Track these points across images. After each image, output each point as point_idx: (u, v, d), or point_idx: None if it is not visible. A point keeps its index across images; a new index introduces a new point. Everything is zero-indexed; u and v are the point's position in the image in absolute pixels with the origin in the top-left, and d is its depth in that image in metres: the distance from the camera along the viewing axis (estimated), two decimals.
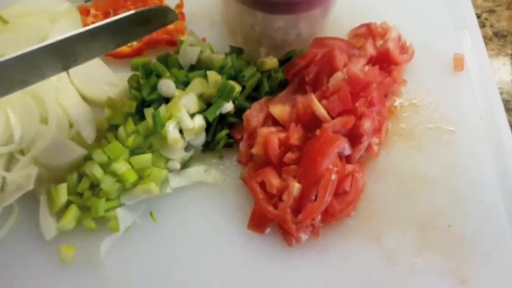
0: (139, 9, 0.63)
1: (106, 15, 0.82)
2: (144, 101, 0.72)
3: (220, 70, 0.74)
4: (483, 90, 0.80)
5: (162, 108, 0.70)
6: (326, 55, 0.72)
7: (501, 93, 0.84)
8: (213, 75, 0.73)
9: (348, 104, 0.68)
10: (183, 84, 0.73)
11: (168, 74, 0.74)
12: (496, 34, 0.91)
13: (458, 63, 0.80)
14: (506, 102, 0.84)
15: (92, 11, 0.81)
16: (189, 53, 0.74)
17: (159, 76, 0.74)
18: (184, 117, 0.69)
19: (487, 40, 0.90)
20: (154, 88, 0.72)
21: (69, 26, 0.80)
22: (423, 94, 0.79)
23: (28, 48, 0.54)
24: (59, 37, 0.57)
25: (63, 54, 0.60)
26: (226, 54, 0.77)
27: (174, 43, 0.81)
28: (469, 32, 0.84)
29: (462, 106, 0.78)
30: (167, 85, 0.72)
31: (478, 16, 0.92)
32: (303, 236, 0.68)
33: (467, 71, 0.81)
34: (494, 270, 0.68)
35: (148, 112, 0.69)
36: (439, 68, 0.81)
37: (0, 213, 0.69)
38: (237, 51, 0.79)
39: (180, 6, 0.84)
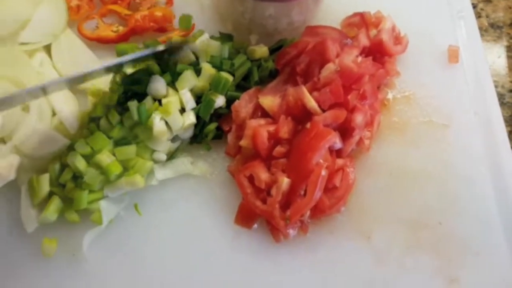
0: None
1: None
2: (127, 93, 0.69)
3: (212, 59, 0.72)
4: (478, 83, 0.78)
5: (148, 101, 0.67)
6: (318, 46, 0.70)
7: (496, 87, 0.83)
8: (208, 68, 0.70)
9: (340, 97, 0.66)
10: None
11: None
12: (492, 25, 0.89)
13: (453, 55, 0.78)
14: (500, 96, 0.83)
15: None
16: None
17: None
18: (175, 117, 0.67)
19: (482, 31, 0.88)
20: (138, 81, 0.69)
21: (53, 10, 0.77)
22: (417, 86, 0.77)
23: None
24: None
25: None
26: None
27: (161, 30, 0.78)
28: (465, 23, 0.82)
29: (456, 100, 0.77)
30: (159, 84, 0.69)
31: (474, 6, 0.90)
32: (291, 232, 0.67)
33: (462, 63, 0.79)
34: (484, 269, 0.68)
35: (133, 105, 0.66)
36: (433, 60, 0.79)
37: None
38: (227, 38, 0.76)
39: None
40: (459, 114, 0.76)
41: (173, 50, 0.70)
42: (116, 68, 0.67)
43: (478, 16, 0.89)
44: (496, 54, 0.87)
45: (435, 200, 0.71)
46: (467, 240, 0.69)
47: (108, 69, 0.65)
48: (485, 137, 0.75)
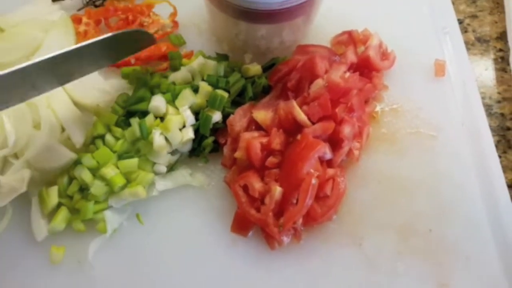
0: (116, 32, 0.67)
1: (97, 23, 0.85)
2: (130, 111, 0.75)
3: (208, 78, 0.76)
4: (465, 95, 0.81)
5: (149, 118, 0.72)
6: (308, 62, 0.74)
7: (483, 98, 0.86)
8: (205, 86, 0.75)
9: (328, 110, 0.70)
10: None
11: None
12: (478, 39, 0.92)
13: (440, 69, 0.82)
14: (488, 107, 0.86)
15: (84, 20, 0.84)
16: None
17: (151, 90, 0.76)
18: (174, 133, 0.71)
19: (469, 45, 0.91)
20: (141, 100, 0.74)
21: (62, 35, 0.82)
22: (405, 99, 0.80)
23: (22, 64, 0.58)
24: (51, 54, 0.61)
25: (56, 70, 0.64)
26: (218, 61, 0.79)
27: (164, 58, 0.83)
28: (451, 38, 0.86)
29: (444, 111, 0.80)
30: (159, 102, 0.73)
31: (461, 22, 0.93)
32: (285, 239, 0.70)
33: (449, 76, 0.82)
34: (475, 274, 0.70)
35: (134, 121, 0.71)
36: (420, 74, 0.83)
37: None
38: (223, 57, 0.81)
39: (174, 14, 0.86)
40: (446, 125, 0.79)
41: (124, 37, 0.71)
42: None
43: (465, 31, 0.93)
44: (483, 66, 0.90)
45: (425, 207, 0.73)
46: (457, 246, 0.71)
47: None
48: (473, 146, 0.78)
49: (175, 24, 0.86)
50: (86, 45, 0.65)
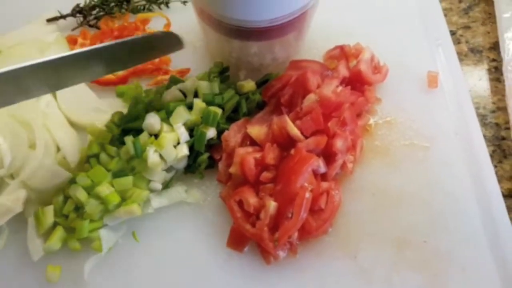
0: (146, 34, 0.65)
1: (93, 43, 0.86)
2: (124, 129, 0.75)
3: (204, 96, 0.77)
4: (458, 106, 0.81)
5: (143, 136, 0.72)
6: (300, 78, 0.75)
7: (477, 108, 0.86)
8: (199, 103, 0.75)
9: (320, 124, 0.70)
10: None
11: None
12: (471, 50, 0.93)
13: (432, 80, 0.82)
14: (482, 117, 0.86)
15: (80, 41, 0.85)
16: None
17: (145, 108, 0.77)
18: (168, 150, 0.71)
19: (462, 56, 0.92)
20: (135, 118, 0.75)
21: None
22: (398, 111, 0.81)
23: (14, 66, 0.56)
24: (46, 58, 0.59)
25: (49, 75, 0.61)
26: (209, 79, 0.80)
27: (157, 71, 0.84)
28: (443, 49, 0.86)
29: (437, 122, 0.80)
30: (153, 119, 0.74)
31: (454, 33, 0.94)
32: (281, 254, 0.70)
33: (441, 88, 0.83)
34: (471, 285, 0.69)
35: (129, 139, 0.71)
36: (413, 86, 0.83)
37: None
38: (221, 70, 0.82)
39: (167, 25, 0.88)
40: (440, 136, 0.79)
41: (153, 40, 0.70)
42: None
43: (458, 42, 0.94)
44: (477, 77, 0.90)
45: (419, 218, 0.73)
46: (453, 256, 0.71)
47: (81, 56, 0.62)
48: (467, 156, 0.77)
49: None
50: (115, 44, 0.63)
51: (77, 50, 0.61)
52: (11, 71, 0.56)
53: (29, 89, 0.60)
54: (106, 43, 0.63)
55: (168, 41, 0.71)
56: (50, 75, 0.61)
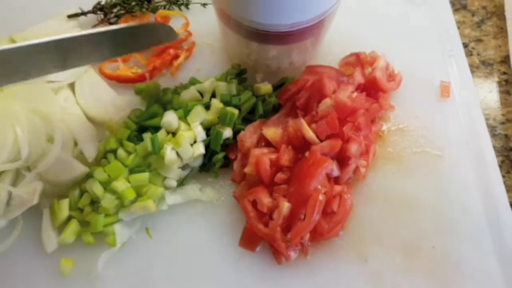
0: (140, 23, 0.67)
1: None
2: (142, 126, 0.76)
3: (222, 97, 0.78)
4: (469, 116, 0.83)
5: (161, 133, 0.74)
6: (316, 82, 0.76)
7: (487, 119, 0.88)
8: (216, 103, 0.77)
9: (336, 128, 0.71)
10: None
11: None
12: (483, 62, 0.95)
13: (445, 90, 0.84)
14: (492, 128, 0.87)
15: None
16: None
17: (163, 106, 0.78)
18: (185, 148, 0.73)
19: (474, 68, 0.93)
20: (153, 115, 0.77)
21: None
22: (410, 119, 0.82)
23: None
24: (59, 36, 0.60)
25: (61, 52, 0.62)
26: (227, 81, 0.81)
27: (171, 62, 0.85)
28: (456, 60, 0.88)
29: (448, 132, 0.81)
30: (171, 117, 0.75)
31: (466, 45, 0.96)
32: (293, 255, 0.71)
33: (453, 98, 0.84)
34: None
35: (147, 136, 0.73)
36: (426, 95, 0.85)
37: (6, 226, 0.73)
38: (239, 72, 0.84)
39: (186, 25, 0.89)
40: (451, 145, 0.80)
41: (147, 29, 0.72)
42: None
43: (470, 54, 0.95)
44: (487, 89, 0.92)
45: (429, 225, 0.74)
46: (461, 263, 0.72)
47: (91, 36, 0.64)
48: (477, 166, 0.79)
49: (189, 33, 0.89)
50: (112, 30, 0.65)
51: (83, 31, 0.63)
52: (20, 47, 0.56)
53: (35, 67, 0.61)
54: (109, 27, 0.65)
55: (164, 31, 0.74)
56: (57, 54, 0.62)
